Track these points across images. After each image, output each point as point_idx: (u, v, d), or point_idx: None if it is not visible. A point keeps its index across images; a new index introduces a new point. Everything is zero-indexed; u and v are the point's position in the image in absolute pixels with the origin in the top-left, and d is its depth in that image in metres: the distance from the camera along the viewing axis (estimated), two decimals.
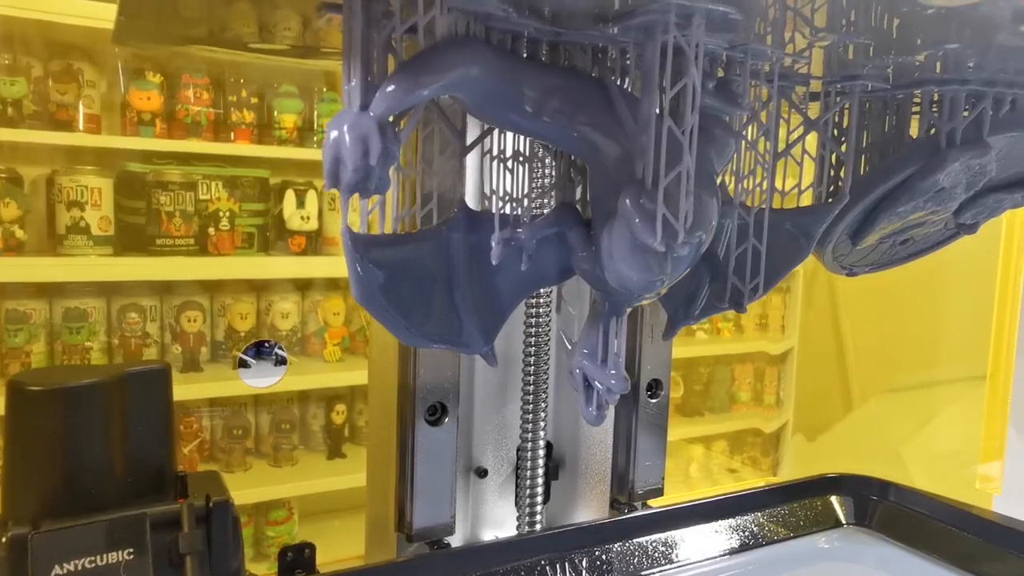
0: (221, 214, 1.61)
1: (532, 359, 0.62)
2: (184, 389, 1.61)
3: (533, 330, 0.61)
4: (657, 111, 0.29)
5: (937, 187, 0.44)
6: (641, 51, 0.30)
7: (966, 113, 0.42)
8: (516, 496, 0.64)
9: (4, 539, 0.44)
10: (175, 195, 1.57)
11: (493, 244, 0.35)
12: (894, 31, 0.38)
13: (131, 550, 0.45)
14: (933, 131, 0.43)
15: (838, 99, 0.41)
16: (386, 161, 0.28)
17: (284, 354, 1.50)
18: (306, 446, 1.79)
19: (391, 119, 0.31)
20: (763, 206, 0.40)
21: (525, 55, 0.33)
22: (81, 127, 1.54)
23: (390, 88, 0.27)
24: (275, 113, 1.67)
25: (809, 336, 2.23)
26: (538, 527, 0.64)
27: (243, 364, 1.51)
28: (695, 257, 0.35)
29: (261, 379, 1.48)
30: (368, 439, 0.63)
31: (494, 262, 0.36)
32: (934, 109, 0.43)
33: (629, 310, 0.39)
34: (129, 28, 0.32)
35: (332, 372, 1.71)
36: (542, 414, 0.63)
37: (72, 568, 0.44)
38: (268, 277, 1.70)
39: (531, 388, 0.62)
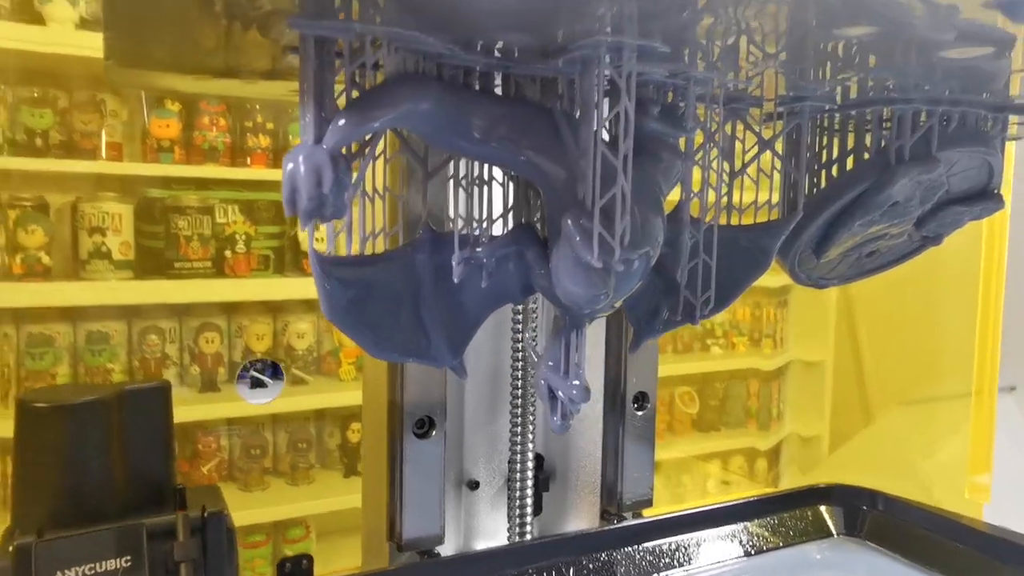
0: (237, 237, 1.65)
1: (520, 372, 0.64)
2: (202, 409, 1.65)
3: (520, 344, 0.63)
4: (599, 137, 0.32)
5: (890, 201, 0.45)
6: (581, 82, 0.33)
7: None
8: (507, 508, 0.66)
9: (11, 548, 0.47)
10: (193, 219, 1.61)
11: (454, 264, 0.37)
12: (840, 52, 0.40)
13: (128, 558, 0.48)
14: (884, 147, 0.45)
15: (788, 119, 0.43)
16: (339, 190, 0.30)
17: (263, 377, 1.53)
18: (323, 464, 1.82)
19: (344, 151, 0.33)
20: (713, 223, 0.42)
21: (478, 87, 0.35)
22: (104, 155, 1.60)
23: (341, 122, 0.30)
24: (290, 138, 1.72)
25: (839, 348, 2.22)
26: (528, 538, 0.65)
27: (258, 383, 1.54)
28: (644, 272, 0.37)
29: (258, 398, 1.51)
30: (363, 453, 0.65)
31: (455, 280, 0.38)
32: (885, 126, 0.45)
33: (589, 323, 0.41)
34: (118, 48, 0.34)
35: (347, 391, 1.74)
36: (530, 427, 0.64)
37: (73, 574, 0.46)
38: (284, 298, 1.74)
39: (519, 401, 0.64)
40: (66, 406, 0.52)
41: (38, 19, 1.51)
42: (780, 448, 2.26)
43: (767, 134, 0.45)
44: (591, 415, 0.69)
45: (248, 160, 1.69)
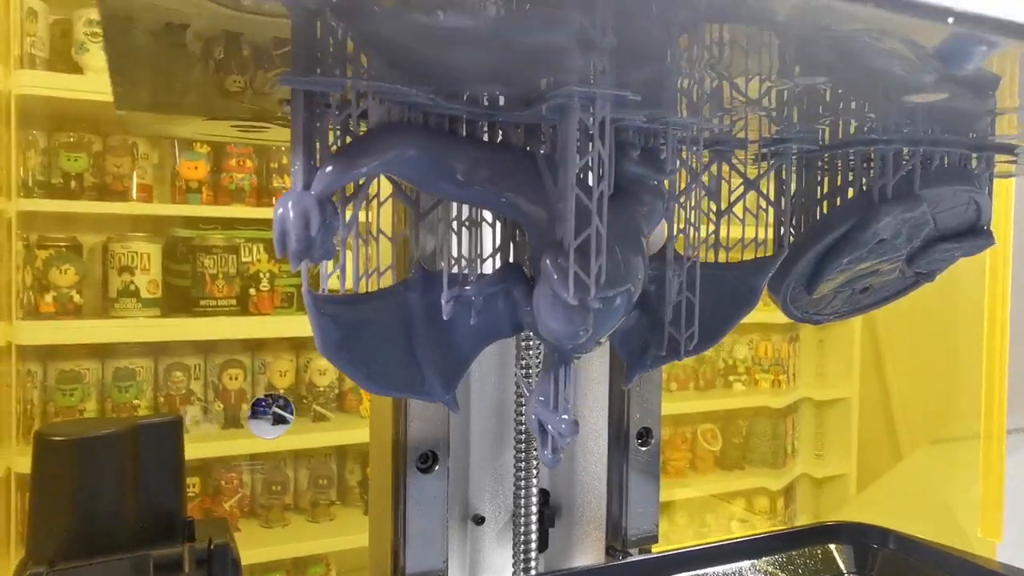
0: (262, 275, 1.69)
1: (524, 408, 0.65)
2: (225, 445, 1.68)
3: (525, 381, 0.64)
4: (573, 180, 0.33)
5: (876, 238, 0.46)
6: (559, 128, 0.34)
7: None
8: (512, 543, 0.67)
9: None
10: (218, 258, 1.65)
11: (443, 301, 0.39)
12: (827, 96, 0.42)
13: None
14: (868, 186, 0.46)
15: (772, 160, 0.44)
16: (327, 233, 0.32)
17: (284, 413, 1.56)
18: (343, 501, 1.82)
19: (339, 195, 0.35)
20: (700, 260, 0.43)
21: (464, 133, 0.37)
22: (135, 197, 1.65)
23: (328, 169, 0.31)
24: None
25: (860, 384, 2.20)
26: (533, 573, 0.66)
27: (280, 420, 1.56)
28: (626, 309, 0.38)
29: (270, 433, 1.53)
30: (370, 488, 0.66)
31: (445, 318, 0.39)
32: (870, 166, 0.46)
33: (577, 359, 0.42)
34: (126, 97, 0.37)
35: (368, 428, 1.75)
36: (534, 462, 0.65)
37: None
38: (307, 335, 1.76)
39: (523, 437, 0.65)
40: (81, 439, 0.54)
41: (76, 68, 1.58)
42: (805, 487, 2.23)
43: (756, 173, 0.46)
44: (595, 451, 0.70)
45: (273, 200, 1.73)
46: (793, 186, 0.46)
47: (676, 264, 0.41)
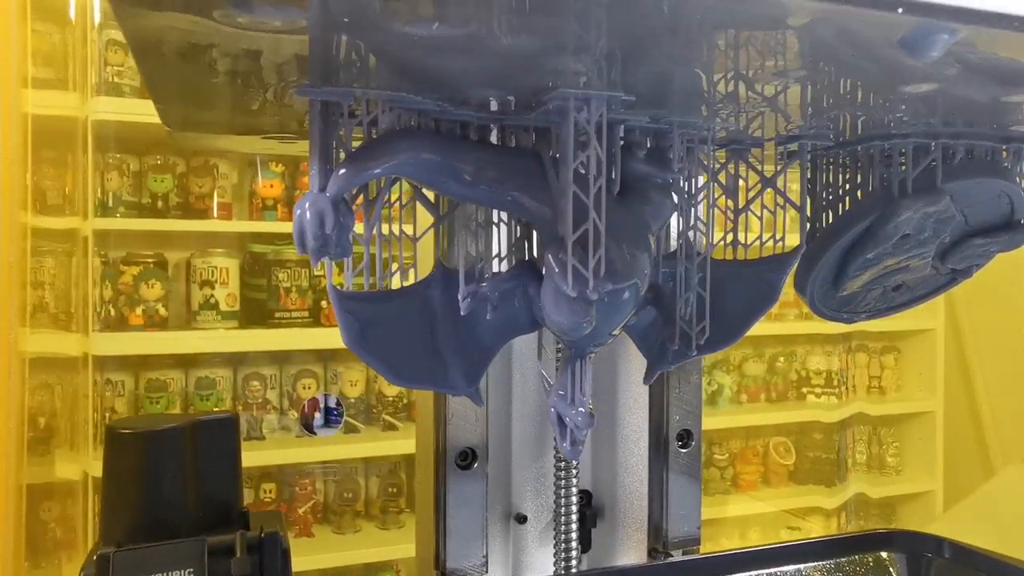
0: None
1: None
2: (298, 452, 1.74)
3: (544, 377, 0.66)
4: (570, 178, 0.35)
5: (898, 234, 0.46)
6: (560, 130, 0.36)
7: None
8: (553, 543, 0.68)
9: (95, 557, 0.53)
10: (292, 272, 1.72)
11: (460, 298, 0.41)
12: (842, 89, 0.42)
13: (191, 570, 0.53)
14: (887, 182, 0.46)
15: (790, 157, 0.45)
16: (341, 231, 0.35)
17: (356, 423, 1.61)
18: (413, 509, 1.86)
19: (361, 197, 0.38)
20: (719, 257, 0.44)
21: (476, 137, 0.39)
22: (215, 215, 1.74)
23: (341, 172, 0.34)
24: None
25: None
26: (574, 572, 0.67)
27: (352, 429, 1.61)
28: (634, 303, 0.40)
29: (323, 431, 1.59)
30: (416, 487, 0.69)
31: (463, 313, 0.42)
32: (890, 160, 0.46)
33: (592, 354, 0.43)
34: (170, 116, 0.41)
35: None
36: (574, 462, 0.66)
37: None
38: None
39: None
40: (146, 432, 0.58)
41: None
42: (890, 502, 2.14)
43: (779, 170, 0.46)
44: (636, 452, 0.70)
45: None
46: (795, 184, 0.47)
47: (688, 260, 0.42)
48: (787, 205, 0.46)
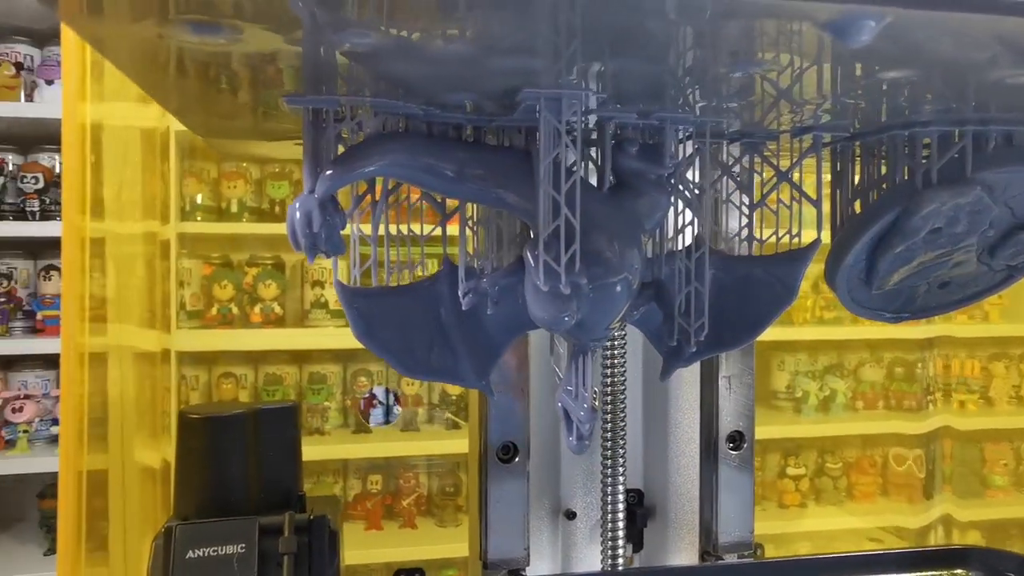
0: None
1: (609, 406, 0.66)
2: (403, 446, 1.81)
3: (609, 380, 0.66)
4: (541, 175, 0.36)
5: (926, 228, 0.43)
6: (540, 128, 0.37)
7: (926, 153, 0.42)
8: (600, 540, 0.68)
9: (162, 529, 0.58)
10: (395, 275, 1.79)
11: (460, 294, 0.43)
12: (858, 77, 0.41)
13: (243, 546, 0.57)
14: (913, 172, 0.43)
15: (806, 150, 0.43)
16: (330, 230, 0.37)
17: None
18: None
19: (370, 197, 0.40)
20: (734, 254, 0.43)
21: (467, 138, 0.41)
22: None
23: (328, 173, 0.37)
24: None
25: None
26: (620, 569, 0.67)
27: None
28: (626, 297, 0.40)
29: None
30: (468, 480, 0.71)
31: (464, 308, 0.43)
32: (913, 151, 0.44)
33: (595, 351, 0.44)
34: (196, 125, 0.44)
35: None
36: (620, 460, 0.66)
37: (200, 554, 0.57)
38: None
39: (609, 435, 0.66)
40: (211, 417, 0.63)
41: None
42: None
43: (794, 163, 0.45)
44: (687, 453, 0.69)
45: None
46: (827, 176, 0.45)
47: (687, 257, 0.42)
48: (807, 200, 0.44)
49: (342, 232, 0.39)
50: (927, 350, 1.91)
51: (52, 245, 1.70)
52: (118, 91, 1.10)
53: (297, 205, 0.37)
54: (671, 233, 0.43)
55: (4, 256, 1.85)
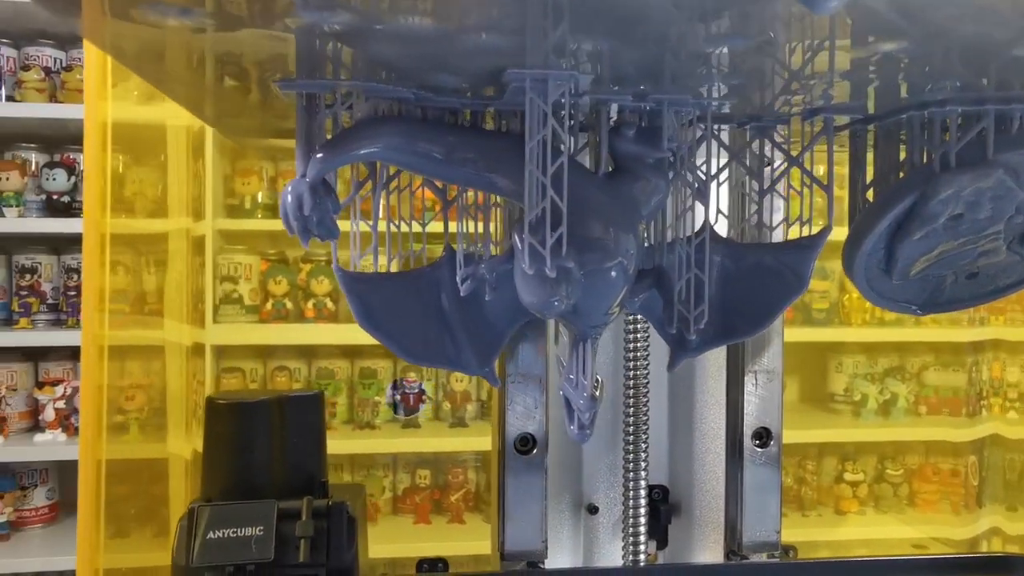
0: None
1: (631, 400, 0.65)
2: (451, 442, 1.82)
3: (631, 372, 0.65)
4: (528, 157, 0.36)
5: (944, 214, 0.41)
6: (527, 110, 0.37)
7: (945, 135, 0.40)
8: (622, 535, 0.67)
9: (187, 509, 0.60)
10: None
11: (458, 280, 0.43)
12: (870, 58, 0.39)
13: (261, 528, 0.58)
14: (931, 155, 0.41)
15: (817, 134, 0.42)
16: (322, 213, 0.38)
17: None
18: None
19: (372, 180, 0.41)
20: (740, 241, 0.42)
21: (466, 122, 0.41)
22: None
23: (318, 156, 0.37)
24: None
25: None
26: (641, 564, 0.66)
27: None
28: (622, 282, 0.39)
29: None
30: (492, 472, 0.71)
31: (462, 295, 0.43)
32: (931, 133, 0.41)
33: (596, 337, 0.43)
34: (218, 125, 0.45)
35: None
36: (643, 454, 0.65)
37: (220, 535, 0.58)
38: None
39: (631, 430, 0.65)
40: (237, 403, 0.65)
41: None
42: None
43: (805, 147, 0.44)
44: (713, 450, 0.68)
45: None
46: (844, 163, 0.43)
47: (685, 243, 0.41)
48: (818, 185, 0.43)
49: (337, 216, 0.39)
50: (980, 353, 1.82)
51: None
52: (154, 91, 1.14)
53: (289, 189, 0.37)
54: (672, 219, 0.42)
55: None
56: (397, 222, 0.44)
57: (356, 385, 1.86)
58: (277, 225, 1.85)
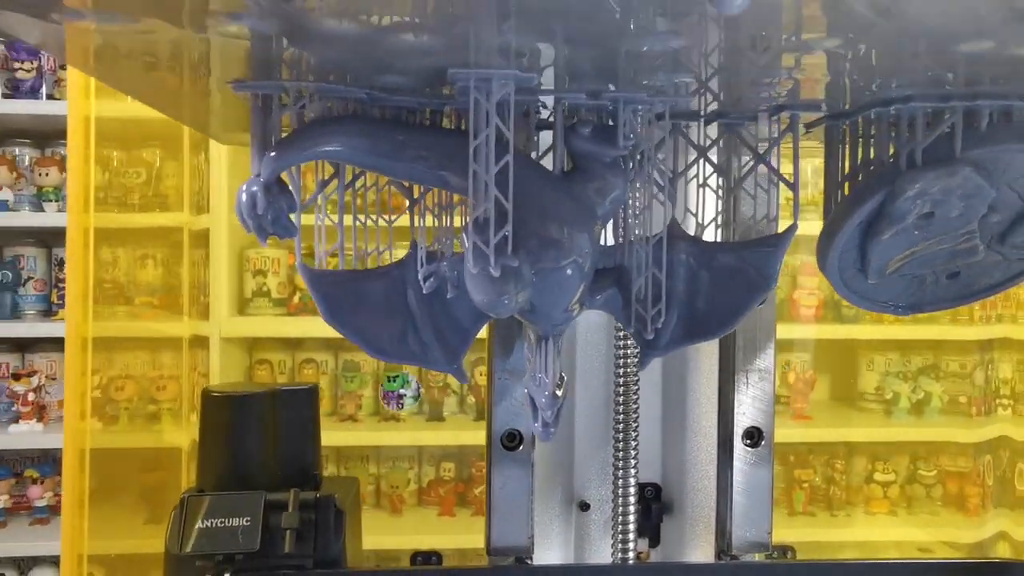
0: None
1: (621, 399, 0.65)
2: (475, 435, 1.83)
3: (622, 370, 0.65)
4: (472, 156, 0.36)
5: (912, 213, 0.40)
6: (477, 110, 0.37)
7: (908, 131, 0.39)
8: (611, 532, 0.67)
9: (180, 499, 0.61)
10: None
11: (420, 278, 0.43)
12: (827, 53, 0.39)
13: (248, 518, 0.60)
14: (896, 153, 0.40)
15: (784, 130, 0.41)
16: (276, 212, 0.38)
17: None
18: None
19: (335, 181, 0.41)
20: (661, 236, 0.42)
21: (426, 121, 0.41)
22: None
23: (271, 156, 0.37)
24: None
25: None
26: (630, 562, 0.66)
27: None
28: (576, 281, 0.39)
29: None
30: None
31: (424, 292, 0.43)
32: (898, 130, 0.40)
33: (556, 336, 0.43)
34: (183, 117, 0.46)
35: None
36: (632, 452, 0.65)
37: (209, 524, 0.59)
38: None
39: (621, 427, 0.65)
40: (232, 395, 0.66)
41: None
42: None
43: (770, 144, 0.43)
44: (705, 448, 0.67)
45: None
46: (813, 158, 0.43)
47: (642, 242, 0.41)
48: (784, 183, 0.42)
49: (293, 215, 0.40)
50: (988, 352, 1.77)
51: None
52: None
53: (243, 188, 0.38)
54: (633, 217, 0.42)
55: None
56: (364, 220, 0.44)
57: (381, 377, 1.87)
58: (306, 220, 1.89)
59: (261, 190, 0.37)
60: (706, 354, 0.66)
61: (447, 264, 0.42)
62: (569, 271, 0.39)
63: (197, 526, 0.59)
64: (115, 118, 1.30)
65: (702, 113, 0.43)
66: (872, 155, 0.42)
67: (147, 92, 0.44)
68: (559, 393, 0.43)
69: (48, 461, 1.83)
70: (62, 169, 1.86)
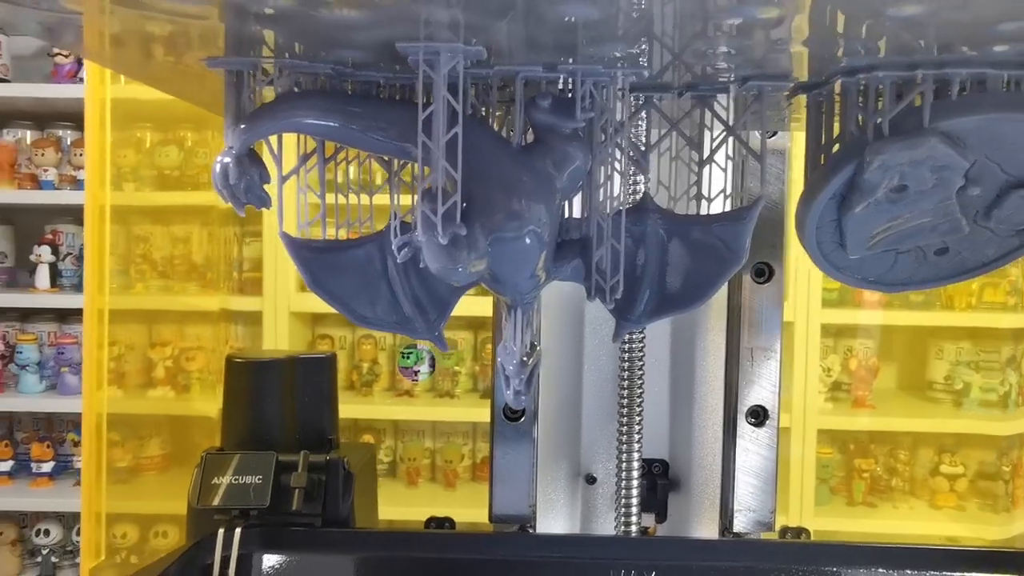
0: None
1: (626, 375, 0.65)
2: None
3: (626, 346, 0.65)
4: (420, 128, 0.37)
5: (881, 185, 0.39)
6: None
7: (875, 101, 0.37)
8: (615, 505, 0.68)
9: (200, 457, 0.65)
10: None
11: (394, 248, 0.44)
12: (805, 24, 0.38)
13: (260, 477, 0.63)
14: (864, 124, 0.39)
15: (753, 102, 0.41)
16: (249, 183, 0.40)
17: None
18: None
19: (317, 155, 0.43)
20: (621, 208, 0.42)
21: (395, 96, 0.42)
22: None
23: (240, 128, 0.40)
24: None
25: None
26: (633, 535, 0.66)
27: None
28: (535, 251, 0.40)
29: None
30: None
31: (399, 262, 0.45)
32: (866, 100, 0.39)
33: (524, 304, 0.44)
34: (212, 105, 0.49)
35: None
36: (636, 427, 0.65)
37: (223, 480, 0.63)
38: None
39: (625, 402, 0.66)
40: (253, 361, 0.70)
41: None
42: None
43: (740, 117, 0.42)
44: (711, 426, 0.67)
45: None
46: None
47: (600, 216, 0.41)
48: (752, 155, 0.42)
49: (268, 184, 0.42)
50: None
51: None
52: None
53: (217, 159, 0.40)
54: (596, 189, 0.42)
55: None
56: (345, 192, 0.46)
57: (437, 355, 1.91)
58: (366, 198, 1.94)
59: (233, 161, 0.40)
60: (713, 332, 0.66)
61: (420, 235, 0.44)
62: (527, 240, 0.40)
63: (214, 482, 0.63)
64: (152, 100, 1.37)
65: (675, 86, 0.43)
66: (845, 127, 0.41)
67: (143, 74, 0.47)
68: (527, 361, 0.44)
69: (125, 426, 1.94)
70: (138, 151, 1.96)
